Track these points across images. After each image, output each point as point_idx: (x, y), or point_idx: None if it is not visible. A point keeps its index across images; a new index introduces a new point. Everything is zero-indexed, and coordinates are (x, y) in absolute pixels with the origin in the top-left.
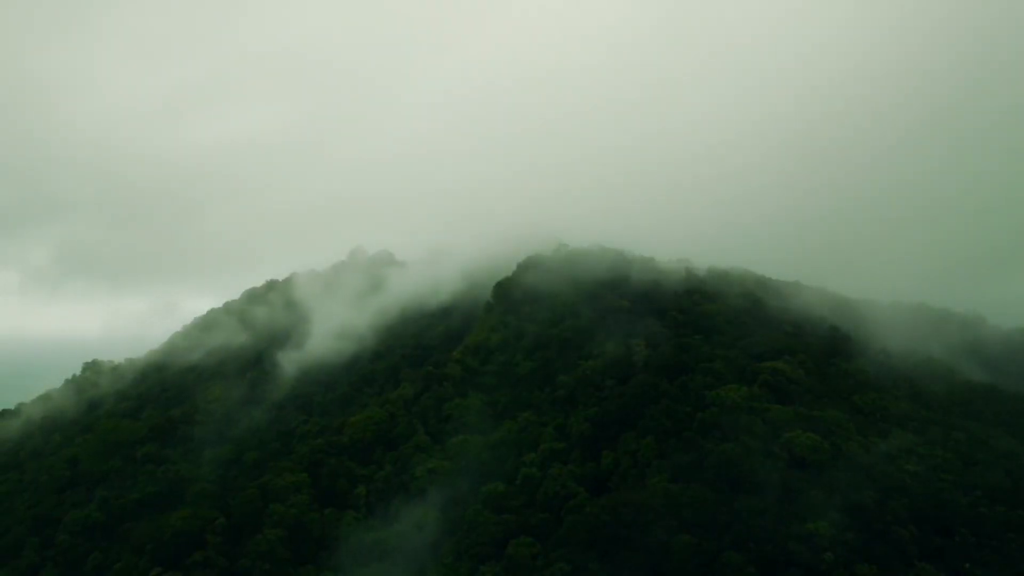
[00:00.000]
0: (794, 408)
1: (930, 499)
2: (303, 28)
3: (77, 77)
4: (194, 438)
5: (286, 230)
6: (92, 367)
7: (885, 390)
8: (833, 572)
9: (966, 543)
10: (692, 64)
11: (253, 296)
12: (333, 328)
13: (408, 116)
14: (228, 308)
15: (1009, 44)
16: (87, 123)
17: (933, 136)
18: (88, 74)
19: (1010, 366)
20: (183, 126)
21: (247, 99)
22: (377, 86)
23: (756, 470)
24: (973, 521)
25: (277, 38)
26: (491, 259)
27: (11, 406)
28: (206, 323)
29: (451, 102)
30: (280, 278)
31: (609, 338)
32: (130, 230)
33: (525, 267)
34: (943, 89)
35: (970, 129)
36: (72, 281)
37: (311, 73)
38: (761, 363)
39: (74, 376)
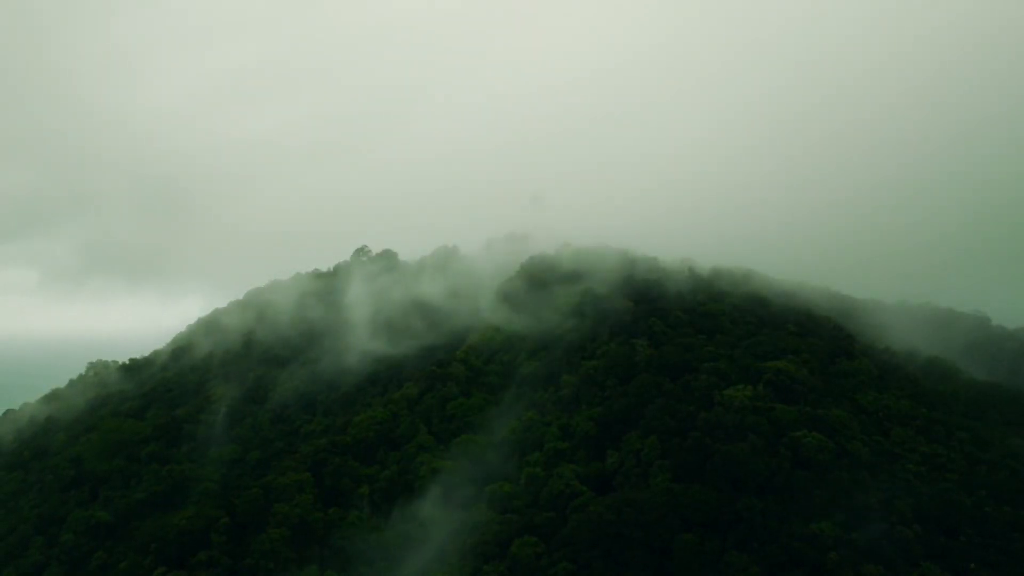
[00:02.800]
0: (798, 408)
1: (935, 499)
2: (313, 33)
3: (111, 71)
4: (198, 437)
5: (291, 229)
6: (96, 366)
7: (889, 390)
8: (838, 572)
9: (971, 543)
10: (695, 66)
11: (256, 295)
12: (337, 328)
13: (414, 117)
14: (232, 307)
15: (1014, 44)
16: (119, 117)
17: (939, 135)
18: (122, 68)
19: (1015, 366)
20: (212, 122)
21: (269, 98)
22: (382, 88)
23: (760, 470)
24: (978, 521)
25: (292, 43)
26: (495, 258)
27: (17, 406)
28: (209, 323)
29: (457, 104)
30: (284, 278)
31: (613, 338)
32: (153, 227)
33: (529, 266)
34: (949, 89)
35: (977, 128)
36: (93, 279)
37: (323, 75)
38: (765, 363)
39: (79, 375)
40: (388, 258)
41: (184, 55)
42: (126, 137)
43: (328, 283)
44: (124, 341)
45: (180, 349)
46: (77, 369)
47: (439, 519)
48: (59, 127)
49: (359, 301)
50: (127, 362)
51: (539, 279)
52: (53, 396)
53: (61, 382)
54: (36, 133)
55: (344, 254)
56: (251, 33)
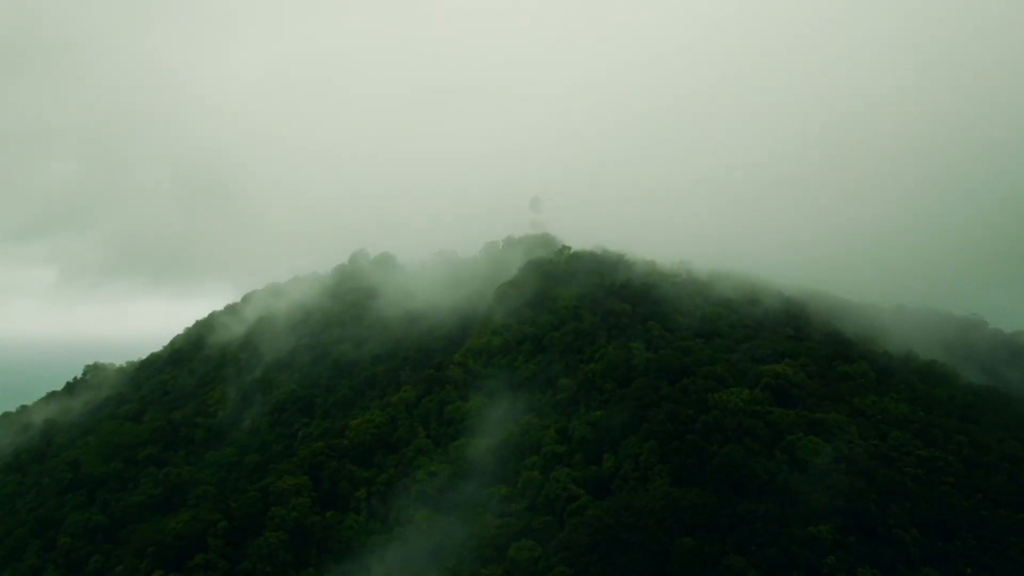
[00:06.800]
0: (796, 411)
1: (932, 502)
2: (326, 37)
3: (154, 63)
4: (195, 441)
5: (289, 231)
6: (93, 369)
7: (887, 393)
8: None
9: (968, 547)
10: (695, 70)
11: (254, 298)
12: (334, 331)
13: (413, 119)
14: (229, 310)
15: (1012, 47)
16: (160, 111)
17: (936, 138)
18: (163, 62)
19: (1011, 369)
20: (248, 120)
21: (293, 99)
22: (377, 86)
23: (758, 473)
24: (975, 524)
25: (308, 47)
26: (493, 262)
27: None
28: (207, 325)
29: (455, 107)
30: (282, 281)
31: (611, 341)
32: (184, 224)
33: (527, 270)
34: (946, 92)
35: (972, 131)
36: (116, 278)
37: (334, 79)
38: (763, 366)
39: (75, 379)
40: (386, 261)
41: (222, 53)
42: (166, 132)
43: (327, 285)
44: (140, 343)
45: (178, 352)
46: (79, 372)
47: (437, 522)
48: (101, 121)
49: (357, 304)
50: (124, 365)
51: (537, 282)
52: (51, 399)
53: (56, 384)
54: (78, 126)
55: (343, 256)
56: (275, 35)
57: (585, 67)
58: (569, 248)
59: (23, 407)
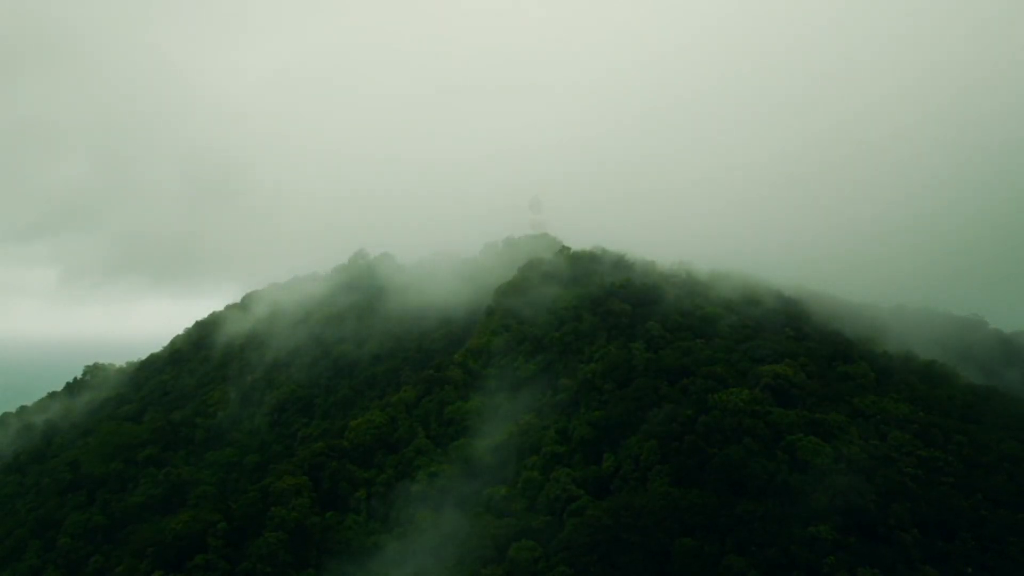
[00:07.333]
0: (796, 411)
1: (932, 502)
2: (331, 39)
3: (159, 66)
4: (195, 441)
5: (290, 231)
6: (93, 370)
7: (887, 393)
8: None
9: (968, 547)
10: (695, 70)
11: (254, 298)
12: (334, 331)
13: (414, 117)
14: (230, 310)
15: (1009, 46)
16: (172, 111)
17: (935, 138)
18: (170, 63)
19: (1011, 369)
20: (259, 120)
21: (301, 99)
22: (378, 86)
23: (758, 474)
24: (975, 524)
25: (312, 48)
26: (493, 262)
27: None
28: (207, 325)
29: (454, 107)
30: (282, 281)
31: (611, 341)
32: (192, 223)
33: (527, 270)
34: (945, 92)
35: (972, 131)
36: (120, 277)
37: (335, 80)
38: (763, 366)
39: (75, 379)
40: (386, 261)
41: (223, 53)
42: (169, 131)
43: (327, 285)
44: (142, 344)
45: (178, 352)
46: (80, 372)
47: (436, 523)
48: (104, 120)
49: (357, 304)
50: (124, 365)
51: (537, 282)
52: (51, 399)
53: (55, 385)
54: (81, 125)
55: (343, 257)
56: (278, 35)
57: (585, 67)
58: (569, 248)
59: (23, 407)
